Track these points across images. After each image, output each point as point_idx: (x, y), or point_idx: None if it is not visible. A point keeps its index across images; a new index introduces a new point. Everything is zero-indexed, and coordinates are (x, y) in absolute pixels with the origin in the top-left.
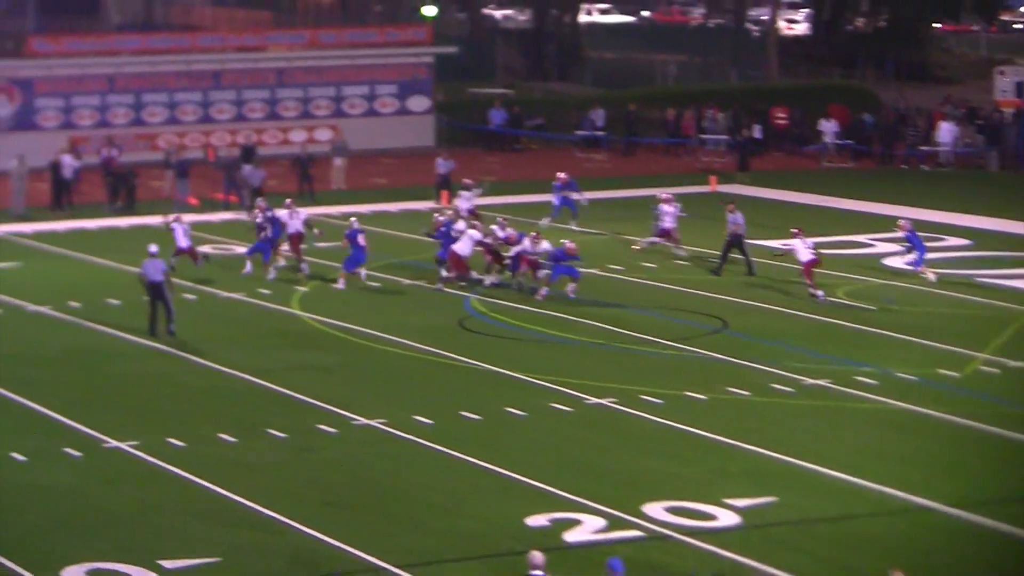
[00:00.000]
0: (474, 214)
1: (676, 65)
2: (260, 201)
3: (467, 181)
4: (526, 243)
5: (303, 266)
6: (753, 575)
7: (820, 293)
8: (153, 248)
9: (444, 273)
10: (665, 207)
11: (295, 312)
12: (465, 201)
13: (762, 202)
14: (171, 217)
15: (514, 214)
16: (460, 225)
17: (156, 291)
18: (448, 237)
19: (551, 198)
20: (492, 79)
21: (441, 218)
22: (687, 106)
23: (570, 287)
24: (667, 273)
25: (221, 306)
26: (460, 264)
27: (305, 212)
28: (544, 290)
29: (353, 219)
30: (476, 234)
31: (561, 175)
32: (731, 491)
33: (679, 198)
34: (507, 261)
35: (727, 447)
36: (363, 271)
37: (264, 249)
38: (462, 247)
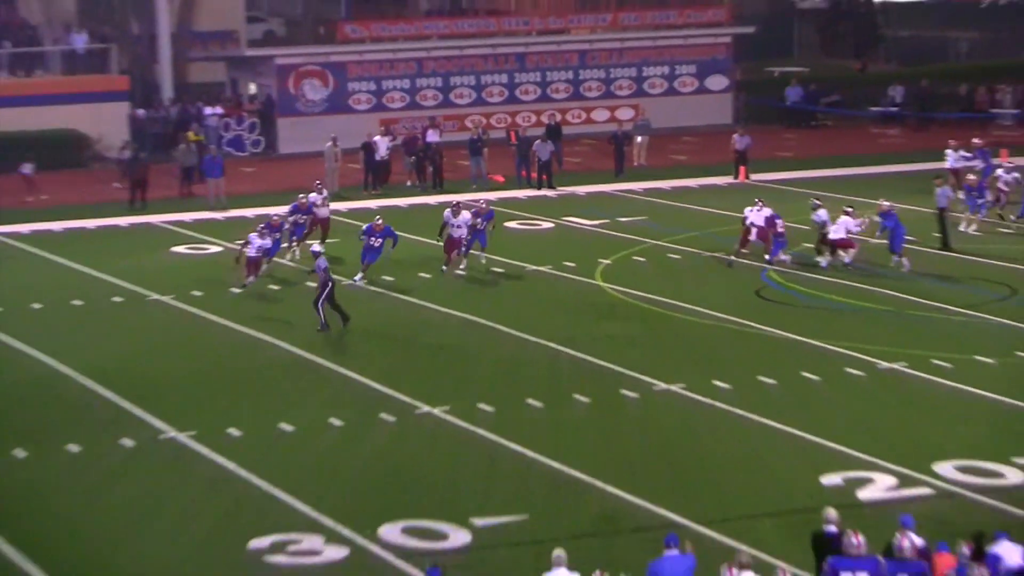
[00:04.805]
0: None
1: (968, 42)
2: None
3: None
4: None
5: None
6: None
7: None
8: (316, 247)
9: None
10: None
11: (598, 284)
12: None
13: None
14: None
15: (812, 189)
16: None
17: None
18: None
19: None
20: (789, 58)
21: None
22: (979, 81)
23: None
24: (959, 244)
25: (528, 280)
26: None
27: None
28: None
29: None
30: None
31: (976, 141)
32: (1020, 450)
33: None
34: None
35: (1016, 409)
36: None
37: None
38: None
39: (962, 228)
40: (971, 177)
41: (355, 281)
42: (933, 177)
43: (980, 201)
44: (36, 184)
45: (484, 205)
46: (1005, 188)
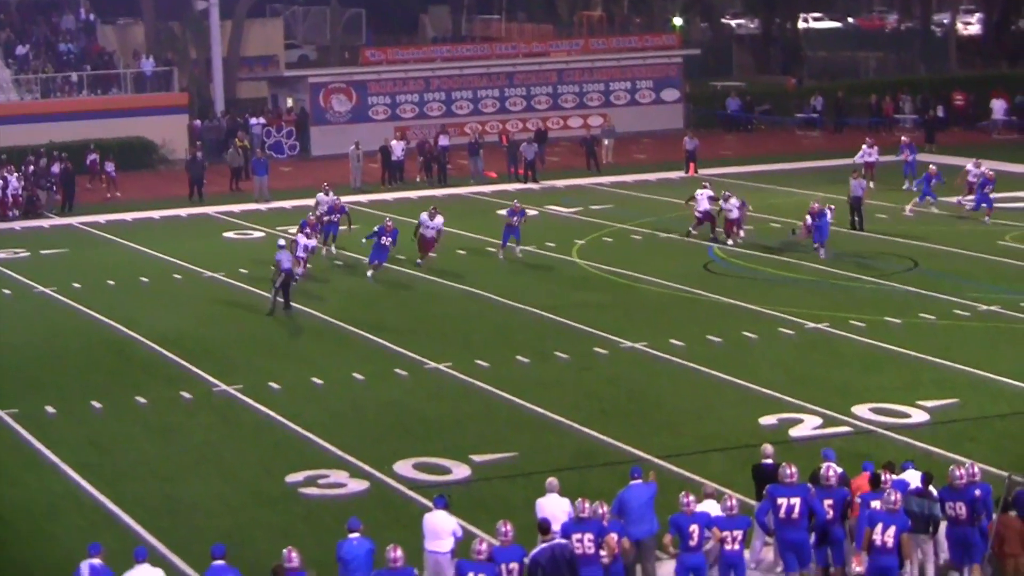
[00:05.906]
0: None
1: (875, 60)
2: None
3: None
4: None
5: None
6: (940, 461)
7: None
8: (281, 242)
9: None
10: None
11: (575, 260)
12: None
13: (946, 167)
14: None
15: (749, 182)
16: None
17: (285, 278)
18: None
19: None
20: (729, 74)
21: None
22: (885, 93)
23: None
24: (870, 226)
25: (517, 258)
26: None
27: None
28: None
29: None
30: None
31: (904, 138)
32: (922, 395)
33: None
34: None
35: (918, 360)
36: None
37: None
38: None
39: (907, 212)
40: (932, 168)
41: (368, 277)
42: (851, 171)
43: (917, 182)
44: (116, 182)
45: (518, 205)
46: (973, 180)
